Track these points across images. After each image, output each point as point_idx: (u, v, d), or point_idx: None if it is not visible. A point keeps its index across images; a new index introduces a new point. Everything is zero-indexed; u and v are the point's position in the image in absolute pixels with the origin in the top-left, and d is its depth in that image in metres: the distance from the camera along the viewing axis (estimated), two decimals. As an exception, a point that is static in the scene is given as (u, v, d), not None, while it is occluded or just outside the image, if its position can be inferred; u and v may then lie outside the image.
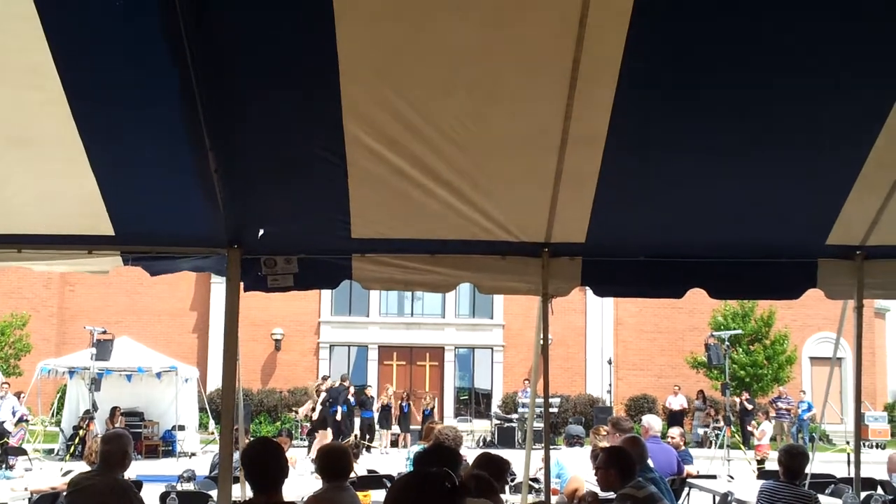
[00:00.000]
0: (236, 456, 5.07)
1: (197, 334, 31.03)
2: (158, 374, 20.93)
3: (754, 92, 3.76)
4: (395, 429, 24.15)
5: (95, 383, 18.65)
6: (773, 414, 26.15)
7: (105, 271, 4.89)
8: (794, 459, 5.84)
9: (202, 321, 30.84)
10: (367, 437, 20.25)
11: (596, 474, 5.03)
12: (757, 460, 17.56)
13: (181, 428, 21.32)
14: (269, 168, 4.20)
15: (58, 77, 3.47)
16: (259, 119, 3.89)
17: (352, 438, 19.62)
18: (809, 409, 25.72)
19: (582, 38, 3.37)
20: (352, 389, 22.74)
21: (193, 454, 20.80)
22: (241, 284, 4.78)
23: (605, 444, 7.55)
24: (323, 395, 20.65)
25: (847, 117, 3.91)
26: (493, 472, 4.48)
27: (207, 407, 23.20)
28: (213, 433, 22.39)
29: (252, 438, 5.56)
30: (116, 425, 18.35)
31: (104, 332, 18.88)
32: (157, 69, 3.51)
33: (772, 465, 15.12)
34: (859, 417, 6.12)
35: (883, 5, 3.35)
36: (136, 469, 11.73)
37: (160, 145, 3.97)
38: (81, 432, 18.48)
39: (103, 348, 18.48)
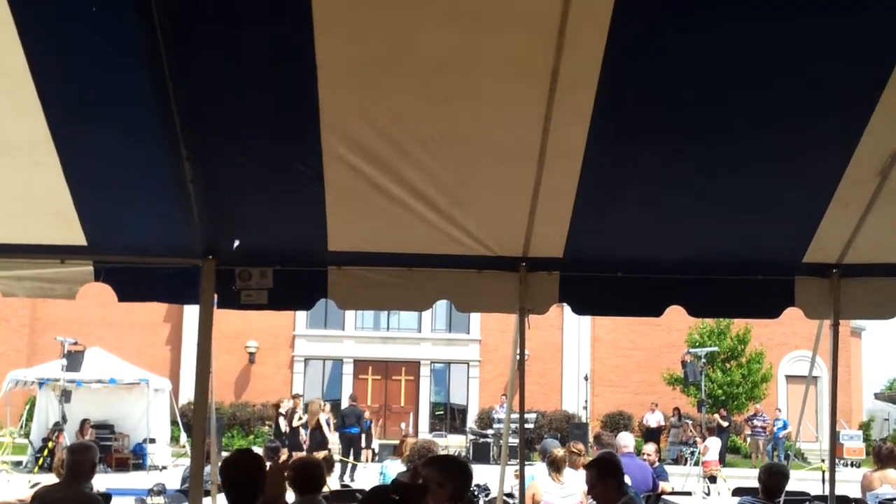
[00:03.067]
0: (207, 469, 5.00)
1: (170, 346, 30.72)
2: (130, 386, 20.69)
3: (734, 108, 3.76)
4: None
5: (66, 395, 18.41)
6: (748, 431, 26.30)
7: (72, 295, 4.75)
8: (773, 478, 5.91)
9: (175, 333, 30.54)
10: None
11: (591, 492, 4.83)
12: (706, 477, 17.47)
13: (152, 441, 21.05)
14: (245, 179, 4.15)
15: (32, 84, 3.41)
16: (236, 129, 3.84)
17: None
18: (785, 426, 25.88)
19: (561, 47, 3.35)
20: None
21: (164, 467, 20.52)
22: (215, 297, 4.71)
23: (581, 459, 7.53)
24: (326, 416, 20.15)
25: (822, 136, 3.92)
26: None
27: (179, 420, 22.94)
28: (184, 446, 22.15)
29: (232, 450, 5.48)
30: (86, 438, 18.12)
31: (75, 343, 18.65)
32: (133, 78, 3.47)
33: (740, 481, 15.15)
34: (834, 436, 6.14)
35: (861, 35, 3.38)
36: (106, 482, 11.60)
37: (135, 155, 3.91)
38: (51, 444, 18.22)
39: (74, 359, 18.25)
